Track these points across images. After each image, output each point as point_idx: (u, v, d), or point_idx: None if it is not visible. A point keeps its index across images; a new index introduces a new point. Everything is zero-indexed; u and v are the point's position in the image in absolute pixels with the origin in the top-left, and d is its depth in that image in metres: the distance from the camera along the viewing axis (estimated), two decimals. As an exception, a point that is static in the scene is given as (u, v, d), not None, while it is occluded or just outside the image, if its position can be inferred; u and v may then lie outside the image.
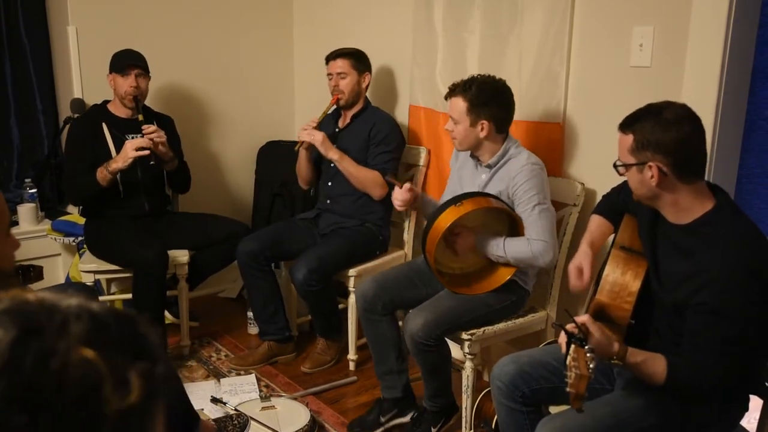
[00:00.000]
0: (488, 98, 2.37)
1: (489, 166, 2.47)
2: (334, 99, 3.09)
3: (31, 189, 3.52)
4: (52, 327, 0.60)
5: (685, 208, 1.67)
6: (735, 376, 1.62)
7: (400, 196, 2.52)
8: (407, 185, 2.53)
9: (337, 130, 3.17)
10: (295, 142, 3.11)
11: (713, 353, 1.58)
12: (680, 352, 1.64)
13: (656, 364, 1.61)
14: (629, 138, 1.67)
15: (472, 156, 2.52)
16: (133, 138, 3.06)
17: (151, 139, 2.94)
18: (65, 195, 3.28)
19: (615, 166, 1.74)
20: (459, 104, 2.40)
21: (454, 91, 2.42)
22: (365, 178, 3.01)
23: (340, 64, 3.06)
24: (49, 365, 0.58)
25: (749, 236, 1.61)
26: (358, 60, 3.08)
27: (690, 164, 1.63)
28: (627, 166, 1.70)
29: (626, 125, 1.69)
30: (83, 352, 0.59)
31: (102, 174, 2.94)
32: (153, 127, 2.98)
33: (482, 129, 2.39)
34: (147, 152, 2.91)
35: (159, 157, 3.01)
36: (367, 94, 3.17)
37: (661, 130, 1.61)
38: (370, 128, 3.07)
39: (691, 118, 1.63)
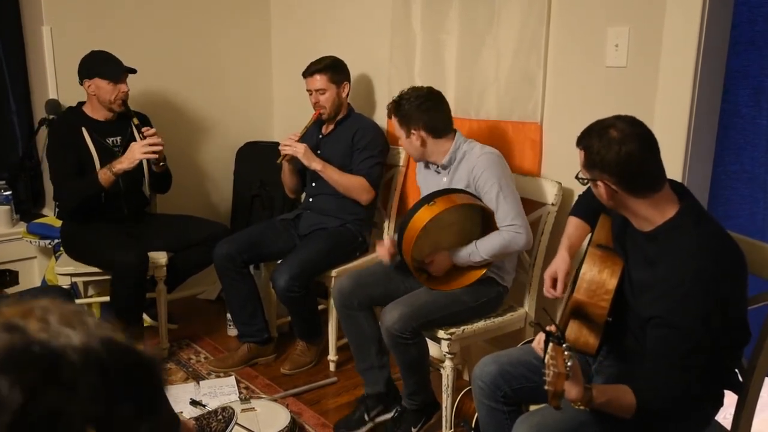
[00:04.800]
0: (411, 110, 2.51)
1: (445, 167, 2.54)
2: (316, 114, 3.09)
3: (5, 191, 3.48)
4: (58, 385, 0.54)
5: (645, 218, 1.68)
6: (698, 388, 1.61)
7: (382, 249, 2.59)
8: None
9: (320, 136, 3.16)
10: (274, 143, 3.10)
11: (674, 368, 1.58)
12: (643, 372, 1.64)
13: (623, 399, 1.59)
14: (582, 154, 1.70)
15: (428, 164, 2.62)
16: (113, 141, 3.05)
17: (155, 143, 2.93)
18: (56, 200, 3.18)
19: (577, 177, 1.77)
20: (394, 122, 2.57)
21: (389, 111, 2.59)
22: (350, 184, 3.01)
23: (318, 80, 3.04)
24: None
25: (709, 247, 1.60)
26: (335, 72, 3.06)
27: (637, 181, 1.64)
28: (585, 180, 1.74)
29: (579, 141, 1.72)
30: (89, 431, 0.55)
31: (105, 176, 2.90)
32: (152, 130, 2.97)
33: (416, 139, 2.52)
34: (156, 155, 2.92)
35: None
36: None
37: (605, 150, 1.62)
38: (354, 134, 3.06)
39: (636, 136, 1.62)
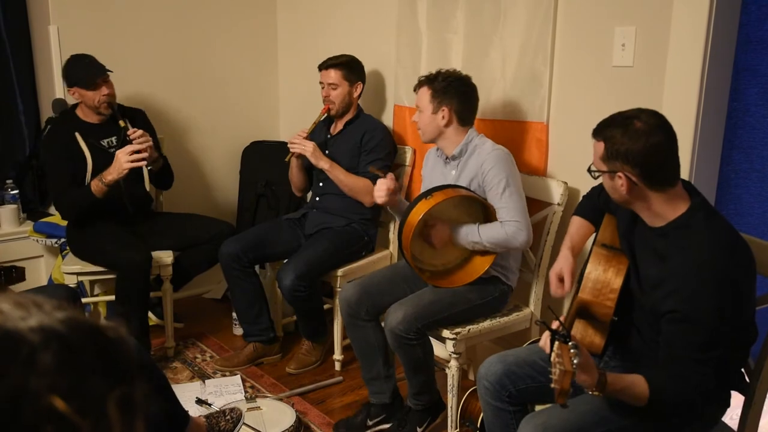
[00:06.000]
0: (450, 87, 2.48)
1: (454, 158, 2.52)
2: (325, 109, 3.09)
3: (12, 190, 3.49)
4: (18, 362, 0.54)
5: (658, 213, 1.67)
6: (714, 381, 1.60)
7: (383, 185, 2.51)
8: (390, 174, 2.57)
9: (329, 136, 3.17)
10: (280, 142, 3.10)
11: (688, 362, 1.57)
12: (657, 364, 1.64)
13: (637, 387, 1.59)
14: (601, 145, 1.67)
15: (438, 151, 2.59)
16: (108, 142, 3.03)
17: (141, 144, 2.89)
18: (56, 210, 3.17)
19: (589, 170, 1.75)
20: (423, 93, 2.51)
21: (420, 82, 2.53)
22: (355, 185, 3.01)
23: (332, 75, 3.05)
24: (20, 418, 0.52)
25: (721, 241, 1.61)
26: (350, 70, 3.07)
27: (660, 174, 1.63)
28: (599, 173, 1.71)
29: (597, 132, 1.69)
30: (55, 402, 0.54)
31: (97, 186, 2.87)
32: (139, 132, 2.93)
33: (443, 117, 2.47)
34: (143, 162, 2.87)
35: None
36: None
37: (631, 141, 1.60)
38: (362, 135, 3.06)
39: (661, 128, 1.62)
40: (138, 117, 3.16)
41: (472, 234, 2.38)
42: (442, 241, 2.42)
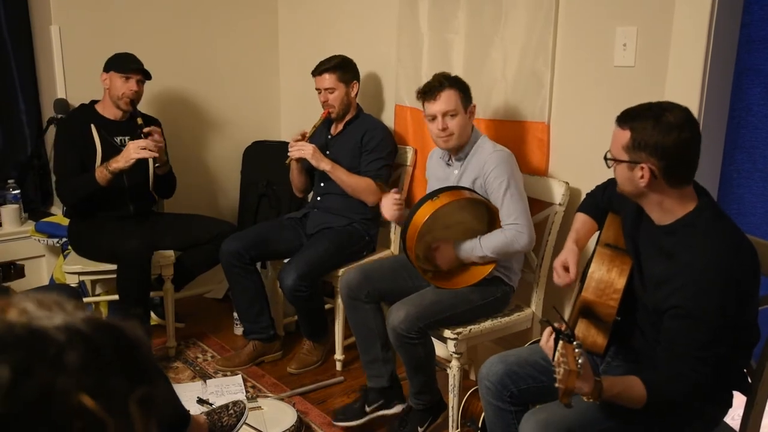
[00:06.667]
0: (466, 88, 2.51)
1: (459, 159, 2.53)
2: (325, 113, 3.09)
3: (14, 190, 3.49)
4: (46, 361, 0.55)
5: (669, 209, 1.67)
6: (711, 380, 1.60)
7: (388, 201, 2.56)
8: (395, 189, 2.58)
9: (329, 137, 3.17)
10: (282, 142, 3.10)
11: (688, 359, 1.57)
12: (656, 360, 1.64)
13: (633, 390, 1.58)
14: (626, 134, 1.63)
15: (441, 152, 2.60)
16: (121, 140, 3.06)
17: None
18: (57, 194, 3.22)
19: (605, 158, 1.72)
20: (454, 96, 2.45)
21: (440, 87, 2.44)
22: (357, 185, 3.01)
23: (327, 80, 3.04)
24: (50, 416, 0.53)
25: (727, 240, 1.61)
26: (345, 71, 3.07)
27: (682, 170, 1.62)
28: (618, 162, 1.68)
29: (624, 120, 1.65)
30: (83, 400, 0.55)
31: (101, 173, 2.91)
32: (155, 129, 2.99)
33: (470, 117, 2.50)
34: (150, 154, 2.91)
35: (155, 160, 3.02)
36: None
37: (661, 134, 1.57)
38: (363, 135, 3.06)
39: (691, 124, 1.60)
40: (153, 125, 3.17)
41: (476, 249, 2.40)
42: (448, 262, 2.45)
